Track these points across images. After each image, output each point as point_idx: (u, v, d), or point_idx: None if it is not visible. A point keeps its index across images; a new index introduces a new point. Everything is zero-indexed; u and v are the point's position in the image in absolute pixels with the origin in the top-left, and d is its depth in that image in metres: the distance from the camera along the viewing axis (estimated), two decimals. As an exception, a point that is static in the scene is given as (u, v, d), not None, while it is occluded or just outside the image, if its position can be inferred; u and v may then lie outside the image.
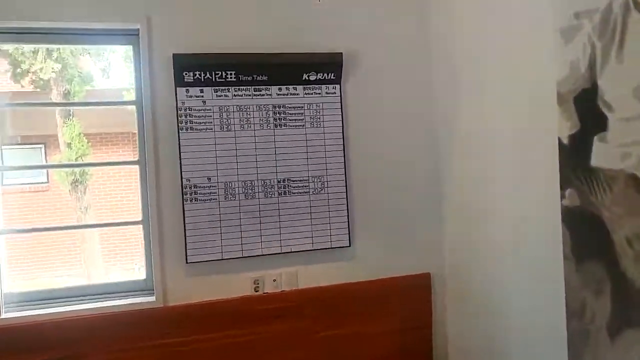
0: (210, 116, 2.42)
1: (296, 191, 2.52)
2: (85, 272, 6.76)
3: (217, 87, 2.42)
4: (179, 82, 2.38)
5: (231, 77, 2.43)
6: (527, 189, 1.95)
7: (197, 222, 2.40)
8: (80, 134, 6.44)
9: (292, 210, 2.51)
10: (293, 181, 2.51)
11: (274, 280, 2.51)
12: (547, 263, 1.80)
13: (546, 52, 1.73)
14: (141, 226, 2.48)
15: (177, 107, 2.38)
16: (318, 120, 2.54)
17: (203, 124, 2.41)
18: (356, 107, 2.62)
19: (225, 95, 2.44)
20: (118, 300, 2.37)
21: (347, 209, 2.57)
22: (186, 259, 2.39)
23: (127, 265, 7.20)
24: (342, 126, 2.57)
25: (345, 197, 2.57)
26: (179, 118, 2.38)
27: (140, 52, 2.38)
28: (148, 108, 2.39)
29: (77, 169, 6.56)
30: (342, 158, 2.57)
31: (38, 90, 6.65)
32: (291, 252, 2.50)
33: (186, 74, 2.38)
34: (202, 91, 2.41)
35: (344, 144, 2.57)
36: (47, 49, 5.41)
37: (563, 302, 1.68)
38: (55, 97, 6.31)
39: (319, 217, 2.53)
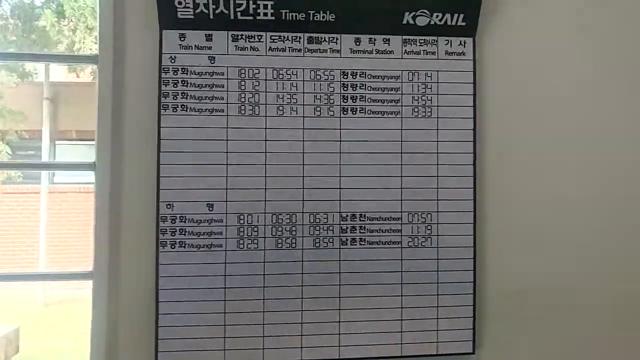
0: (223, 86, 1.30)
1: (377, 239, 1.32)
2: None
3: (239, 33, 1.30)
4: (168, 20, 1.29)
5: (265, 14, 1.29)
6: None
7: (181, 290, 1.27)
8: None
9: (367, 276, 1.32)
10: (371, 220, 1.32)
11: (323, 412, 1.32)
12: None
13: None
14: (92, 282, 1.38)
15: (160, 66, 1.28)
16: (427, 104, 1.34)
17: (207, 100, 1.30)
18: (506, 84, 1.41)
19: (254, 48, 1.31)
20: None
21: (474, 282, 1.32)
22: None
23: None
24: (475, 119, 1.35)
25: (472, 257, 1.33)
26: (164, 87, 1.28)
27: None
28: (108, 68, 1.30)
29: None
30: (472, 181, 1.34)
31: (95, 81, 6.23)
32: (360, 359, 1.32)
33: (180, 4, 1.26)
34: (209, 38, 1.29)
35: (475, 155, 1.34)
36: (87, 26, 4.67)
37: None
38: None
39: (416, 292, 1.33)
